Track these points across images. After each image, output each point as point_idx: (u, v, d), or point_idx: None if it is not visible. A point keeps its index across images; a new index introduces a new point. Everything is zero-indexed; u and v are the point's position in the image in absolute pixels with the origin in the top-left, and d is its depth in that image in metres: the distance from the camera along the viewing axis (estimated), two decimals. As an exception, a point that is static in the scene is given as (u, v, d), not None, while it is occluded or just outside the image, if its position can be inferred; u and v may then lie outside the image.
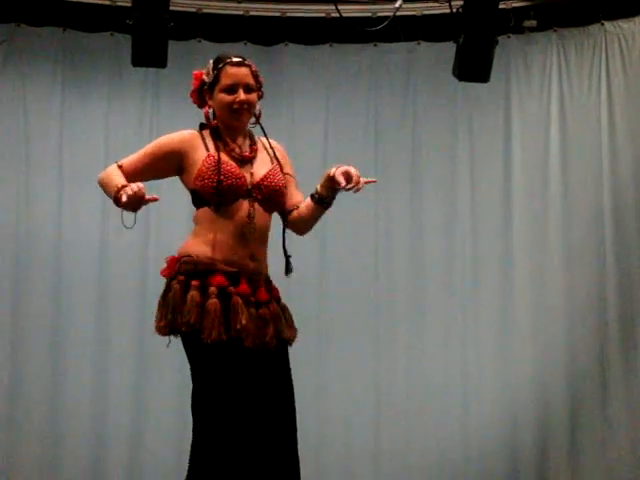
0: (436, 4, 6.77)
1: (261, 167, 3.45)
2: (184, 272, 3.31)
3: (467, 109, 7.06)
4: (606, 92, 6.85)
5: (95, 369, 6.65)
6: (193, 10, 6.90)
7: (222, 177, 3.30)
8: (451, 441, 6.75)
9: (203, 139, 3.42)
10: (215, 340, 3.20)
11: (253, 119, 3.52)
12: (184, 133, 3.45)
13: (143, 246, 6.76)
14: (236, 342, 3.25)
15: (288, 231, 3.57)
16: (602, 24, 6.89)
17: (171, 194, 6.47)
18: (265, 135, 3.55)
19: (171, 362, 6.13)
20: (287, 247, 3.56)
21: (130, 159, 3.45)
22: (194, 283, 3.27)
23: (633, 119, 6.76)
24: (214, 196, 3.32)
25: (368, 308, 6.91)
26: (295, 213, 3.51)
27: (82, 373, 6.61)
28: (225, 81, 3.41)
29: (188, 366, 3.34)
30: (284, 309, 3.51)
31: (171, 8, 6.28)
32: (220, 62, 3.44)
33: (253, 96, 3.44)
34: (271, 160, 3.50)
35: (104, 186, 3.37)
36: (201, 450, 3.20)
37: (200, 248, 3.33)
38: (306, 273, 6.77)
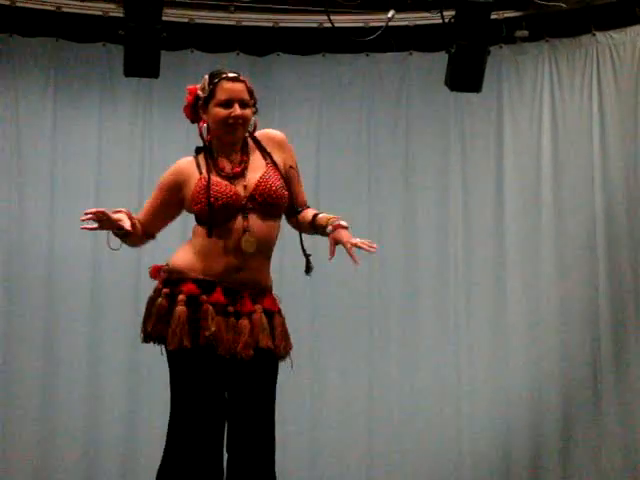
0: (428, 14, 6.78)
1: (254, 174, 3.43)
2: (163, 281, 3.37)
3: (459, 119, 7.08)
4: (597, 102, 6.87)
5: (88, 377, 6.64)
6: (185, 20, 6.91)
7: (212, 199, 3.32)
8: (444, 447, 6.75)
9: (197, 164, 3.43)
10: (176, 348, 3.26)
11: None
12: (180, 164, 3.47)
13: (136, 256, 6.75)
14: (206, 350, 3.27)
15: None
16: (593, 34, 6.92)
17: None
18: (258, 143, 3.52)
19: (164, 370, 6.12)
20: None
21: (141, 209, 3.53)
22: (164, 291, 3.34)
23: (624, 128, 6.79)
24: (208, 218, 3.34)
25: (361, 313, 6.91)
26: (300, 218, 3.53)
27: (74, 381, 6.61)
28: (220, 96, 3.41)
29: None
30: (277, 321, 3.48)
31: (163, 18, 6.29)
32: (215, 77, 3.44)
33: (248, 111, 3.44)
34: (264, 158, 3.48)
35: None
36: (167, 454, 3.33)
37: (182, 258, 3.38)
38: (298, 277, 6.77)
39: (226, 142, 3.44)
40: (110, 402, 6.65)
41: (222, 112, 3.40)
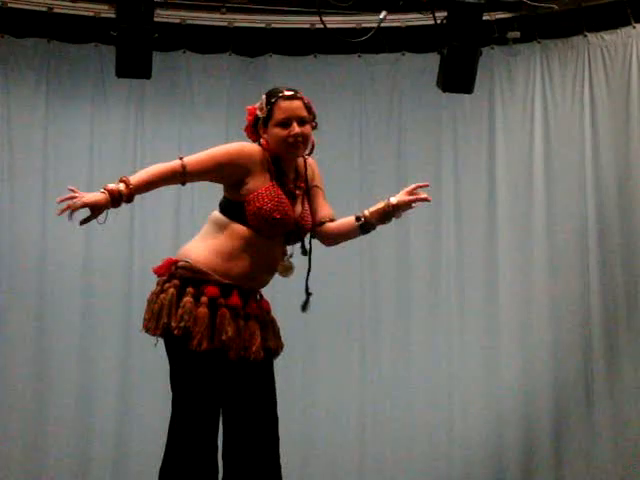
0: (420, 15, 6.79)
1: (300, 204, 3.50)
2: (180, 277, 3.33)
3: (451, 119, 7.08)
4: (589, 103, 6.89)
5: (80, 376, 6.64)
6: (177, 21, 6.91)
7: (277, 214, 3.35)
8: (436, 451, 6.75)
9: (268, 161, 3.42)
10: (205, 349, 3.25)
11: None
12: (254, 148, 3.43)
13: (128, 255, 6.77)
14: (219, 353, 3.29)
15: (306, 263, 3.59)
16: (585, 36, 6.93)
17: (154, 202, 6.56)
18: (305, 169, 3.56)
19: (157, 367, 6.12)
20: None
21: (196, 159, 3.38)
22: (190, 290, 3.31)
23: (616, 129, 6.81)
24: (263, 225, 3.35)
25: (353, 318, 6.91)
26: (332, 226, 3.58)
27: (67, 380, 6.59)
28: (279, 115, 3.43)
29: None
30: (273, 321, 3.55)
31: (155, 19, 6.28)
32: (273, 97, 3.47)
33: (307, 128, 3.45)
34: (304, 190, 3.54)
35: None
36: (173, 452, 3.28)
37: (204, 257, 3.35)
38: (289, 282, 6.77)
39: (287, 160, 3.47)
40: (102, 399, 6.64)
41: (282, 132, 3.42)
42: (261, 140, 3.45)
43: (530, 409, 6.72)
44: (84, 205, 3.29)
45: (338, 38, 6.35)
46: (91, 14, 6.77)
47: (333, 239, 3.61)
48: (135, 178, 3.29)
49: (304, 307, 3.58)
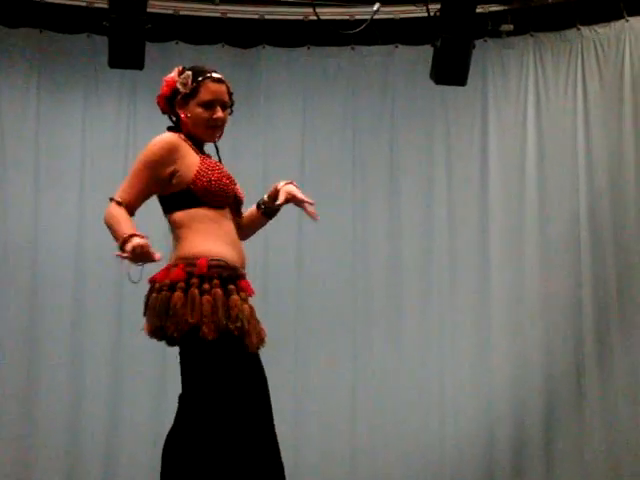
0: (414, 7, 6.79)
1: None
2: (216, 275, 3.24)
3: (444, 112, 7.08)
4: (582, 96, 6.89)
5: (71, 372, 6.62)
6: (170, 12, 6.89)
7: (225, 179, 3.34)
8: (428, 447, 6.74)
9: (185, 140, 3.38)
10: (256, 346, 3.26)
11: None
12: (168, 141, 3.36)
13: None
14: (239, 340, 3.24)
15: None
16: (578, 29, 6.94)
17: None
18: (218, 154, 3.53)
19: (148, 366, 6.14)
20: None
21: (125, 189, 3.33)
22: (232, 288, 3.25)
23: (608, 122, 6.81)
24: (218, 196, 3.31)
25: (345, 313, 6.90)
26: (244, 221, 3.53)
27: (57, 376, 6.58)
28: (204, 96, 3.39)
29: (171, 371, 3.30)
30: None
31: (148, 10, 6.27)
32: (200, 75, 3.41)
33: (226, 114, 3.44)
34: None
35: (111, 231, 3.29)
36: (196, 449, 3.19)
37: (221, 250, 3.29)
38: (283, 274, 6.78)
39: (201, 141, 3.44)
40: (92, 399, 6.62)
41: (204, 113, 3.39)
42: (180, 114, 3.40)
43: (521, 402, 6.73)
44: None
45: (331, 30, 6.35)
46: (83, 4, 6.74)
47: (246, 232, 3.54)
48: (127, 228, 3.22)
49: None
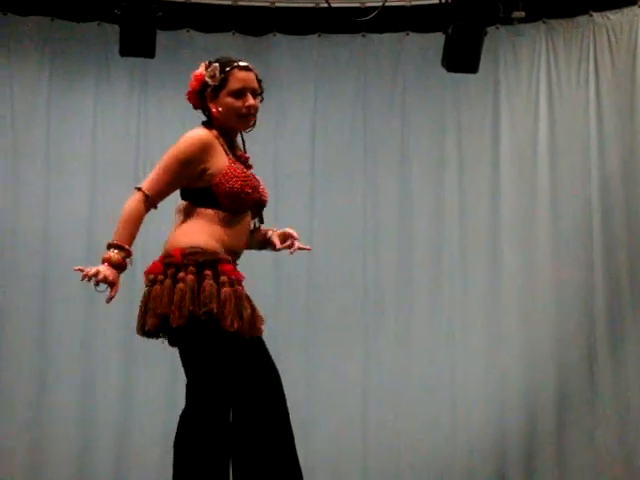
0: (425, -5, 6.77)
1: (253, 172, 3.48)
2: (193, 263, 3.25)
3: (455, 100, 7.06)
4: (594, 83, 6.86)
5: (82, 364, 6.66)
6: (181, 0, 6.88)
7: (247, 188, 3.33)
8: (439, 438, 6.73)
9: (218, 137, 3.38)
10: (236, 329, 3.22)
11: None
12: (202, 138, 3.35)
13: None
14: (240, 332, 3.26)
15: None
16: (590, 15, 6.90)
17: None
18: (243, 142, 3.54)
19: (160, 358, 6.14)
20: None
21: (156, 181, 3.33)
22: (207, 273, 3.23)
23: (621, 110, 6.78)
24: (237, 203, 3.32)
25: (356, 307, 6.90)
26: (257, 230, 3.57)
27: (69, 369, 6.61)
28: (234, 85, 3.38)
29: (177, 362, 3.31)
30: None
31: (159, -2, 6.27)
32: (227, 65, 3.40)
33: (258, 101, 3.44)
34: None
35: (118, 223, 3.34)
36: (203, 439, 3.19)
37: (202, 238, 3.29)
38: (294, 265, 6.78)
39: (233, 131, 3.44)
40: (104, 392, 6.66)
41: (236, 102, 3.38)
42: (212, 108, 3.39)
43: (533, 390, 6.71)
44: (104, 282, 3.28)
45: (342, 17, 6.33)
46: (95, -8, 6.75)
47: (250, 244, 3.55)
48: (123, 236, 3.30)
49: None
